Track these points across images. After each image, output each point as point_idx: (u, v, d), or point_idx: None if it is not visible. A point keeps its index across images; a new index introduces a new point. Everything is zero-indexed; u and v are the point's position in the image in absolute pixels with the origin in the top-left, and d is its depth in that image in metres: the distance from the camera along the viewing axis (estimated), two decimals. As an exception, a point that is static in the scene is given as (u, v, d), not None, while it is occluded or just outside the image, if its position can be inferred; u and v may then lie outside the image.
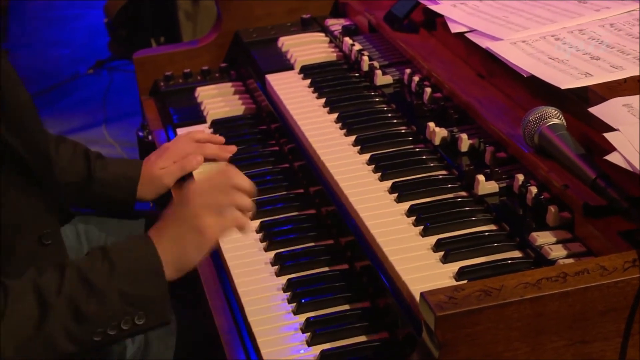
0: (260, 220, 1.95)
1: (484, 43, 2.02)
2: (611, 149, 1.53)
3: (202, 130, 2.36)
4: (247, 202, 1.73)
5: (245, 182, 1.74)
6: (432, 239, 1.66)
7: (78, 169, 2.17)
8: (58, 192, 1.96)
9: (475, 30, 2.10)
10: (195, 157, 2.20)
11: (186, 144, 2.24)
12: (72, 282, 1.61)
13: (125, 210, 2.23)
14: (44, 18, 6.67)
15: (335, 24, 2.63)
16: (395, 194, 1.82)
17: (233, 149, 2.24)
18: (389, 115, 2.13)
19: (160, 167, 2.21)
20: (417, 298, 1.42)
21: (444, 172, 1.88)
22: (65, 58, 5.87)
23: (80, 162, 2.18)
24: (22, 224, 1.82)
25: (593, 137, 1.66)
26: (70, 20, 6.69)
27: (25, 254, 1.79)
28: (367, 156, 1.97)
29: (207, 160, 2.21)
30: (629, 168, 1.47)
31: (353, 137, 2.05)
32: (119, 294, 1.61)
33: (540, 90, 1.83)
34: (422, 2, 2.32)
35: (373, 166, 1.93)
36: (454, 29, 2.14)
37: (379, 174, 1.90)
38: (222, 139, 2.27)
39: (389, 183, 1.86)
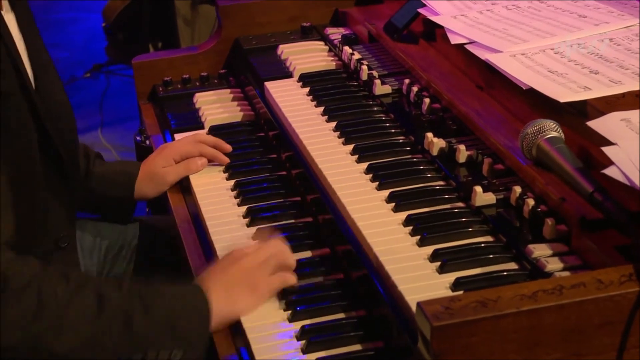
0: (257, 227, 1.95)
1: (483, 55, 2.03)
2: (609, 163, 1.53)
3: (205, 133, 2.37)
4: (292, 261, 1.79)
5: (287, 252, 1.80)
6: (429, 249, 1.66)
7: None
8: (78, 193, 1.98)
9: (475, 42, 2.10)
10: (201, 159, 2.21)
11: (187, 143, 2.25)
12: (128, 291, 1.66)
13: (124, 209, 2.22)
14: (42, 21, 6.62)
15: (335, 33, 2.64)
16: (393, 204, 1.82)
17: (228, 148, 2.25)
18: (387, 124, 2.14)
19: (162, 165, 2.22)
20: (413, 308, 1.42)
21: (441, 182, 1.89)
22: (63, 61, 5.85)
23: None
24: (44, 224, 1.83)
25: (591, 150, 1.67)
26: (69, 24, 6.70)
27: (40, 255, 1.79)
28: (364, 165, 1.97)
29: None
30: (626, 182, 1.47)
31: (351, 146, 2.05)
32: (166, 316, 1.65)
33: (538, 103, 1.84)
34: (422, 13, 2.33)
35: (370, 175, 1.94)
36: (454, 40, 2.15)
37: (377, 183, 1.90)
38: (228, 147, 2.26)
39: (386, 192, 1.86)
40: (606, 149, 1.56)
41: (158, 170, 2.22)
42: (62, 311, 1.61)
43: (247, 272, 1.73)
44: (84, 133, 4.88)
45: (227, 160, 2.22)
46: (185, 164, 2.22)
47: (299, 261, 1.82)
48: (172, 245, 2.13)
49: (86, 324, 1.62)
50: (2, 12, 1.82)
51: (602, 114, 1.69)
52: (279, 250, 1.78)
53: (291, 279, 1.75)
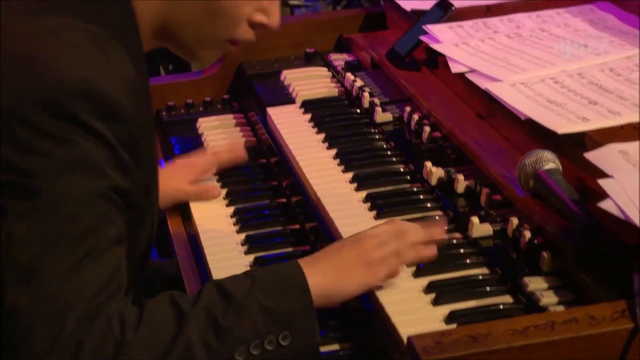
0: (254, 255, 1.94)
1: (483, 84, 2.02)
2: (606, 195, 1.52)
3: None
4: (417, 237, 1.67)
5: (420, 234, 1.68)
6: (424, 281, 1.65)
7: None
8: None
9: (475, 70, 2.10)
10: (217, 188, 2.20)
11: (199, 156, 2.26)
12: (209, 294, 1.55)
13: None
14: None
15: (339, 59, 2.64)
16: (390, 234, 1.81)
17: (244, 156, 2.27)
18: (388, 153, 2.13)
19: (183, 181, 2.20)
20: (406, 342, 1.41)
21: (439, 212, 1.88)
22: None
23: None
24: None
25: (589, 182, 1.66)
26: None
27: None
28: (363, 194, 1.97)
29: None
30: (621, 217, 1.46)
31: (350, 174, 2.05)
32: (260, 308, 1.53)
33: (537, 133, 1.83)
34: (424, 40, 2.33)
35: (369, 204, 1.93)
36: (455, 68, 2.14)
37: (375, 212, 1.90)
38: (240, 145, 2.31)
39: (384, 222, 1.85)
40: (602, 182, 1.55)
41: (172, 185, 2.17)
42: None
43: (364, 251, 1.63)
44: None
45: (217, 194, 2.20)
46: (198, 190, 2.19)
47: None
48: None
49: (165, 340, 1.49)
50: None
51: (600, 145, 1.68)
52: (402, 229, 1.67)
53: (409, 256, 1.64)
